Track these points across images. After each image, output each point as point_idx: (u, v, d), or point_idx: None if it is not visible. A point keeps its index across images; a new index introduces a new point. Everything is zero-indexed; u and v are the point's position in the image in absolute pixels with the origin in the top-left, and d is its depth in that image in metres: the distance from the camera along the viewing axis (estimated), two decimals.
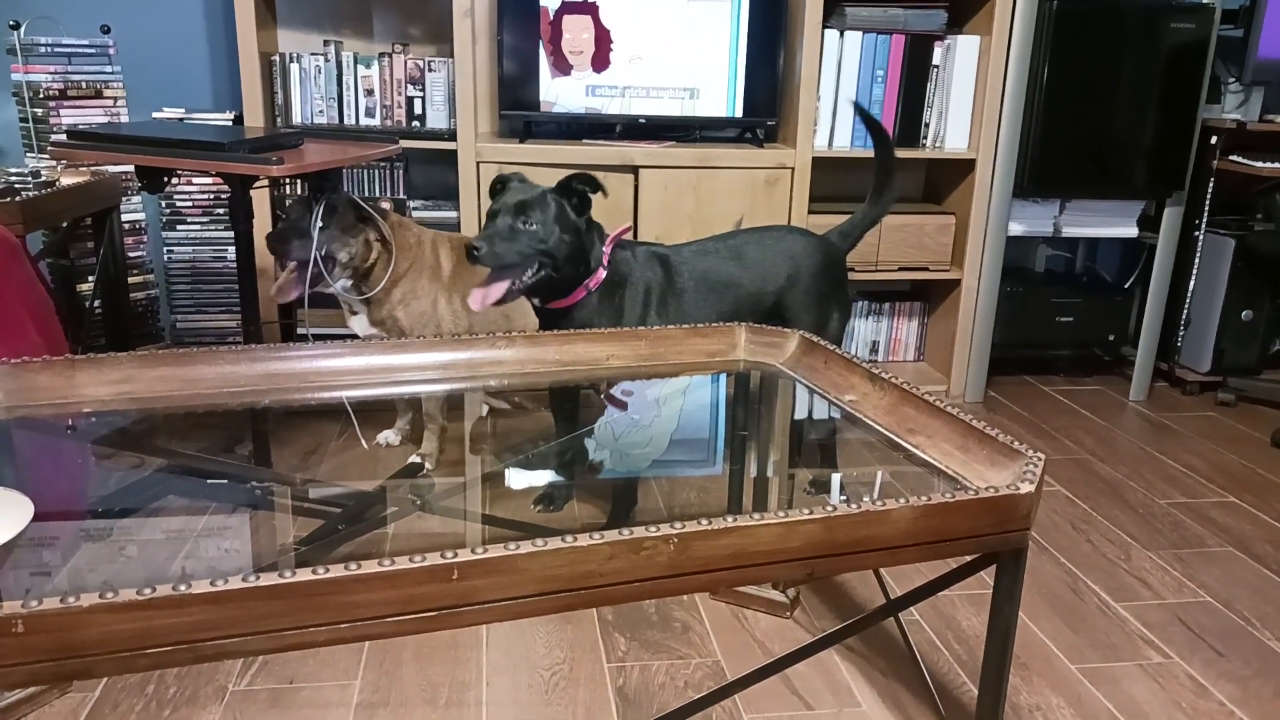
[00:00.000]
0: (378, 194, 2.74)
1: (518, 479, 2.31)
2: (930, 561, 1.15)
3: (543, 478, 2.25)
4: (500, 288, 1.85)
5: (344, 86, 2.68)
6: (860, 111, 2.63)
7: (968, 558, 1.19)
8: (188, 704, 1.51)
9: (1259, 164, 2.84)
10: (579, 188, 1.89)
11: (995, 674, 1.24)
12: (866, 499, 1.09)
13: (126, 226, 2.61)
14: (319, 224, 2.09)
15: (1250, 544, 2.16)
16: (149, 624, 0.84)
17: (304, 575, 0.88)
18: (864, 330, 3.10)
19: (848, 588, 1.92)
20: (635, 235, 2.68)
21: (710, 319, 2.02)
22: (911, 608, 1.83)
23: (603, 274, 1.92)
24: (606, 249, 1.93)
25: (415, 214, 2.71)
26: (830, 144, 2.81)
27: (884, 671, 1.66)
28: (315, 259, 2.10)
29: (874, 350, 3.12)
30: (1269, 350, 3.12)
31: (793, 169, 2.71)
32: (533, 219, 1.84)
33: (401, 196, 2.74)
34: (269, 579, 0.87)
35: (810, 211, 2.76)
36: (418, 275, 2.24)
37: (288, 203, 2.17)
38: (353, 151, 2.08)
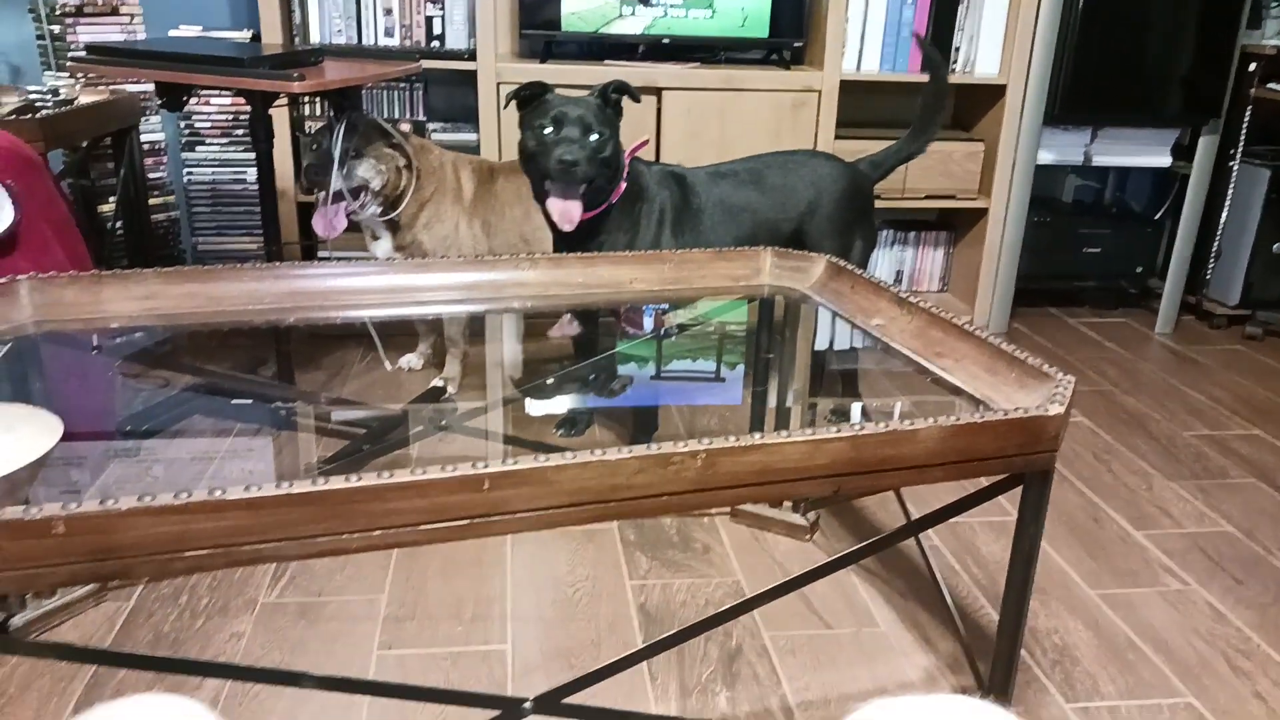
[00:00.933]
0: (397, 115, 2.70)
1: (539, 403, 2.32)
2: (955, 481, 1.15)
3: (564, 402, 2.26)
4: (578, 204, 1.83)
5: (362, 5, 2.63)
6: (920, 41, 2.56)
7: (993, 479, 1.19)
8: (220, 614, 1.54)
9: None
10: (614, 96, 1.87)
11: (1018, 594, 1.24)
12: (894, 420, 1.09)
13: (146, 148, 2.60)
14: (352, 153, 2.06)
15: (1273, 475, 2.15)
16: (185, 528, 0.86)
17: (337, 483, 0.89)
18: (888, 259, 3.07)
19: (867, 513, 1.93)
20: (658, 159, 2.64)
21: (726, 243, 2.00)
22: (931, 532, 1.85)
23: (623, 186, 1.90)
24: (625, 160, 1.91)
25: (435, 136, 2.68)
26: (859, 67, 2.75)
27: (903, 593, 1.68)
28: (343, 189, 2.08)
29: (898, 280, 3.08)
30: None
31: (820, 92, 2.66)
32: (599, 130, 1.81)
33: (421, 118, 2.71)
34: (303, 486, 0.88)
35: (837, 137, 2.71)
36: (441, 198, 2.23)
37: (311, 129, 2.14)
38: (373, 70, 2.05)
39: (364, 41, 2.66)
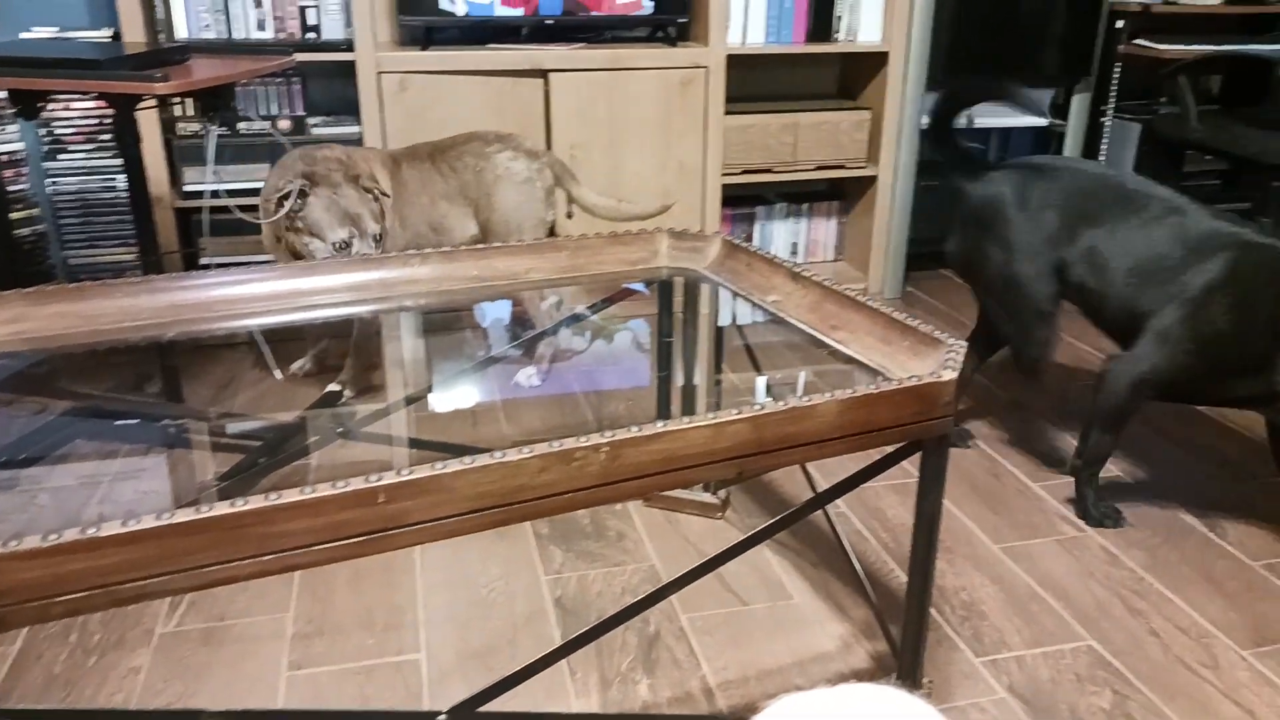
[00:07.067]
0: (275, 111, 2.60)
1: (442, 400, 2.28)
2: (857, 453, 1.16)
3: (468, 398, 2.23)
4: None
5: None
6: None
7: (893, 447, 1.21)
8: (115, 648, 1.47)
9: (1163, 46, 2.87)
10: None
11: (923, 558, 1.27)
12: (792, 397, 1.09)
13: (3, 159, 2.45)
14: (351, 213, 1.94)
15: (1159, 419, 2.25)
16: (60, 570, 0.81)
17: (223, 509, 0.85)
18: (783, 232, 3.10)
19: (777, 486, 1.95)
20: (549, 144, 2.61)
21: None
22: (839, 501, 1.88)
23: None
24: None
25: (316, 130, 2.59)
26: (744, 40, 2.76)
27: (815, 564, 1.70)
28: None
29: (793, 251, 3.12)
30: None
31: (707, 68, 2.66)
32: None
33: (300, 113, 2.62)
34: (185, 515, 0.83)
35: (728, 112, 2.72)
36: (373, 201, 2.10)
37: (293, 189, 1.92)
38: (244, 66, 1.96)
39: (235, 36, 2.55)
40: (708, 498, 1.86)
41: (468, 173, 2.22)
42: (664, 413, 1.95)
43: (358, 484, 0.88)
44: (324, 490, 0.88)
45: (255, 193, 2.53)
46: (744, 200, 3.05)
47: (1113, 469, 2.02)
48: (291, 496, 0.86)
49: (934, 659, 1.48)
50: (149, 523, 0.82)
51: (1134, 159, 3.04)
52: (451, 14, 2.56)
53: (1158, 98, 3.09)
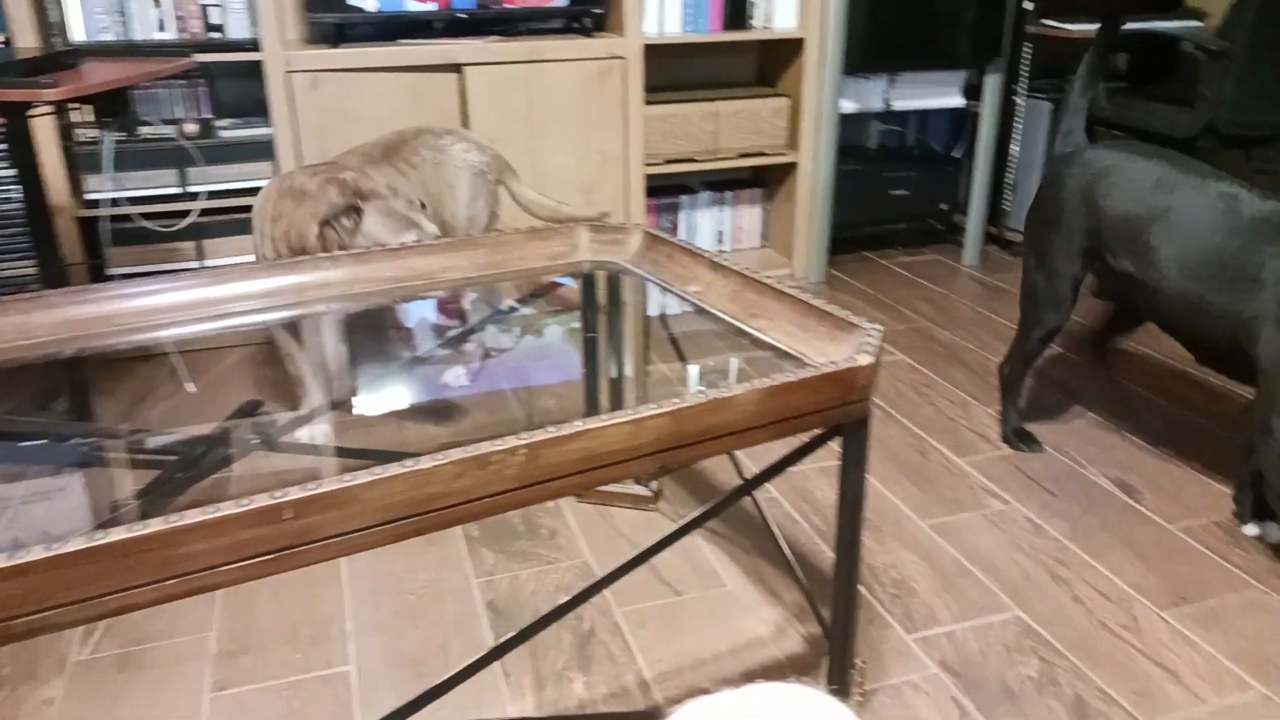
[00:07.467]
0: (180, 115, 2.52)
1: (367, 404, 2.23)
2: (779, 440, 1.16)
3: (394, 401, 2.19)
4: None
5: None
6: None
7: (814, 433, 1.22)
8: (27, 680, 1.41)
9: (1071, 26, 2.94)
10: None
11: (848, 540, 1.28)
12: (705, 388, 1.09)
13: None
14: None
15: (1076, 390, 2.30)
16: None
17: (119, 534, 0.82)
18: (708, 220, 3.10)
19: (708, 474, 1.95)
20: None
21: None
22: (769, 485, 1.89)
23: None
24: None
25: (225, 133, 2.52)
26: (661, 30, 2.74)
27: (747, 550, 1.71)
28: None
29: (719, 239, 3.13)
30: None
31: (625, 58, 2.64)
32: None
33: (207, 116, 2.54)
34: (77, 543, 0.80)
35: (649, 102, 2.71)
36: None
37: (338, 206, 1.83)
38: (140, 69, 1.89)
39: (135, 37, 2.46)
40: (640, 490, 1.86)
41: (426, 167, 2.16)
42: (592, 408, 1.93)
43: (262, 500, 0.85)
44: (227, 509, 0.84)
45: (163, 199, 2.46)
46: (668, 190, 3.05)
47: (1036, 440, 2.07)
48: (193, 517, 0.83)
49: (866, 638, 1.49)
50: (38, 554, 0.78)
51: (1046, 135, 3.11)
52: (362, 10, 2.51)
53: (1067, 76, 3.15)
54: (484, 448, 0.96)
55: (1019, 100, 3.12)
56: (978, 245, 3.21)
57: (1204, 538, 1.74)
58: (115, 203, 2.25)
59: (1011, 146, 3.18)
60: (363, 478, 0.90)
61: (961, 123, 3.26)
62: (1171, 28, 3.04)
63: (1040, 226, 1.91)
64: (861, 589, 1.60)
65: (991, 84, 3.01)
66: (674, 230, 3.06)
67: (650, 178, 2.80)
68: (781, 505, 1.85)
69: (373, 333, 2.62)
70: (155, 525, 0.82)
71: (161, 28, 2.47)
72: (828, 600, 1.49)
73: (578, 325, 2.34)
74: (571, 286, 1.89)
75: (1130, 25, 3.05)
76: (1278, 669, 1.42)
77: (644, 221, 2.77)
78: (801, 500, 1.86)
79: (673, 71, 2.95)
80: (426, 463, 0.92)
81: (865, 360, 1.15)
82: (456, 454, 0.94)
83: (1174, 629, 1.51)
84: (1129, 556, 1.69)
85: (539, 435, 0.99)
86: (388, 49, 2.49)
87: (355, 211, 1.88)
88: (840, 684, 1.32)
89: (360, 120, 2.48)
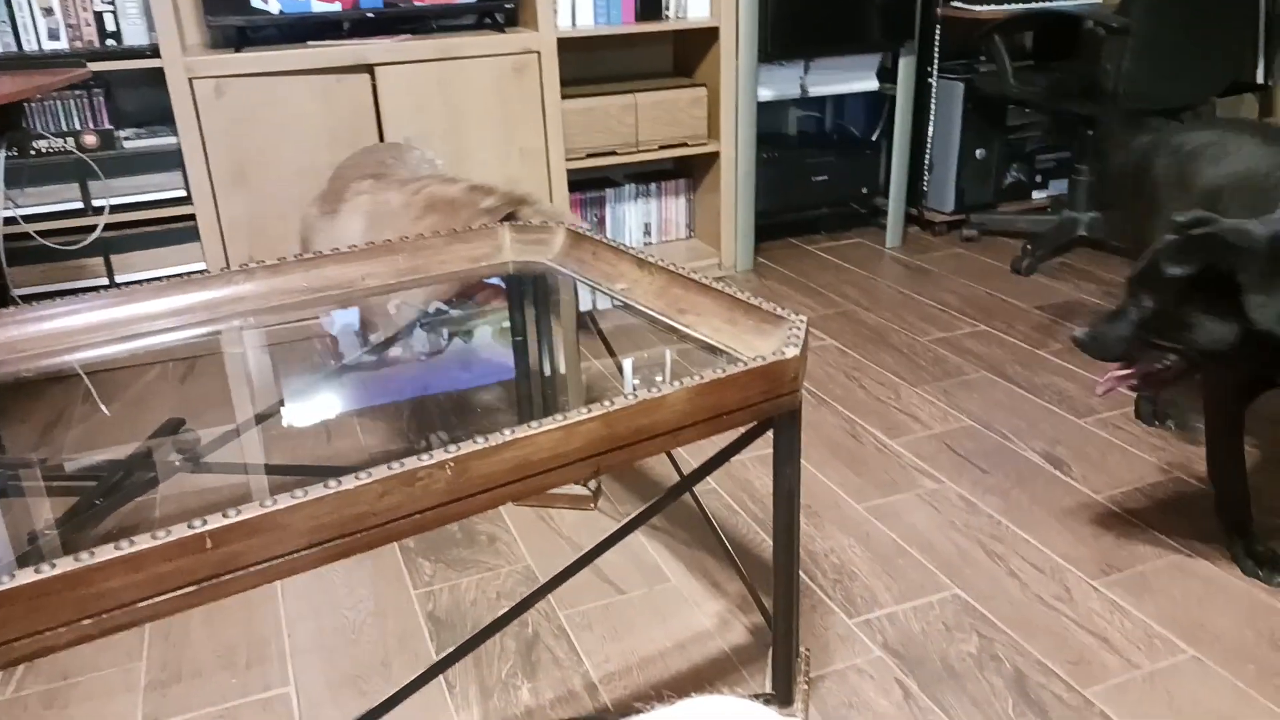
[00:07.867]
0: (79, 127, 2.42)
1: (294, 417, 2.18)
2: (713, 436, 1.16)
3: (321, 412, 2.14)
4: None
5: (14, 6, 2.32)
6: None
7: (746, 427, 1.22)
8: None
9: (978, 8, 2.99)
10: None
11: (785, 530, 1.28)
12: (637, 389, 1.08)
13: None
14: None
15: (1002, 366, 2.35)
16: None
17: (26, 576, 0.77)
18: (634, 213, 3.09)
19: (646, 469, 1.95)
20: (381, 139, 2.52)
21: None
22: (708, 478, 1.89)
23: None
24: None
25: (129, 144, 2.43)
26: (574, 23, 2.72)
27: (688, 544, 1.71)
28: None
29: (646, 232, 3.12)
30: (1002, 185, 3.36)
31: (539, 53, 2.61)
32: None
33: (107, 126, 2.44)
34: None
35: (566, 96, 2.68)
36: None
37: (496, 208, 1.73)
38: (30, 81, 1.81)
39: (25, 48, 2.36)
40: (579, 490, 1.84)
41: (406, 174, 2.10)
42: (524, 413, 1.91)
43: (180, 531, 0.82)
44: (143, 542, 0.81)
45: (63, 215, 2.37)
46: (592, 184, 3.03)
47: (964, 419, 2.10)
48: (105, 554, 0.79)
49: (810, 625, 1.50)
50: None
51: (960, 117, 3.16)
52: (265, 12, 2.44)
53: (977, 57, 3.21)
54: (410, 463, 0.93)
55: (932, 82, 3.17)
56: (900, 227, 3.25)
57: (1130, 506, 1.79)
58: (10, 221, 2.15)
59: (928, 128, 3.23)
60: (285, 501, 0.87)
61: (878, 106, 3.30)
62: (1073, 6, 3.12)
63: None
64: (803, 575, 1.61)
65: (905, 67, 3.05)
66: (601, 224, 3.05)
67: (573, 172, 2.77)
68: (720, 496, 1.85)
69: (298, 342, 2.56)
70: (65, 565, 0.78)
71: (54, 36, 2.37)
72: (769, 590, 1.50)
73: (507, 326, 2.31)
74: (498, 285, 1.86)
75: (1034, 4, 3.12)
76: (1206, 632, 1.47)
77: (569, 211, 2.75)
78: (740, 490, 1.87)
79: (589, 65, 2.93)
80: (350, 482, 0.90)
81: (792, 353, 1.15)
82: (380, 472, 0.92)
83: (1105, 597, 1.55)
84: (1059, 529, 1.73)
85: (466, 447, 0.96)
86: (295, 51, 2.42)
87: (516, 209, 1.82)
88: (785, 675, 1.32)
89: (270, 125, 2.41)
